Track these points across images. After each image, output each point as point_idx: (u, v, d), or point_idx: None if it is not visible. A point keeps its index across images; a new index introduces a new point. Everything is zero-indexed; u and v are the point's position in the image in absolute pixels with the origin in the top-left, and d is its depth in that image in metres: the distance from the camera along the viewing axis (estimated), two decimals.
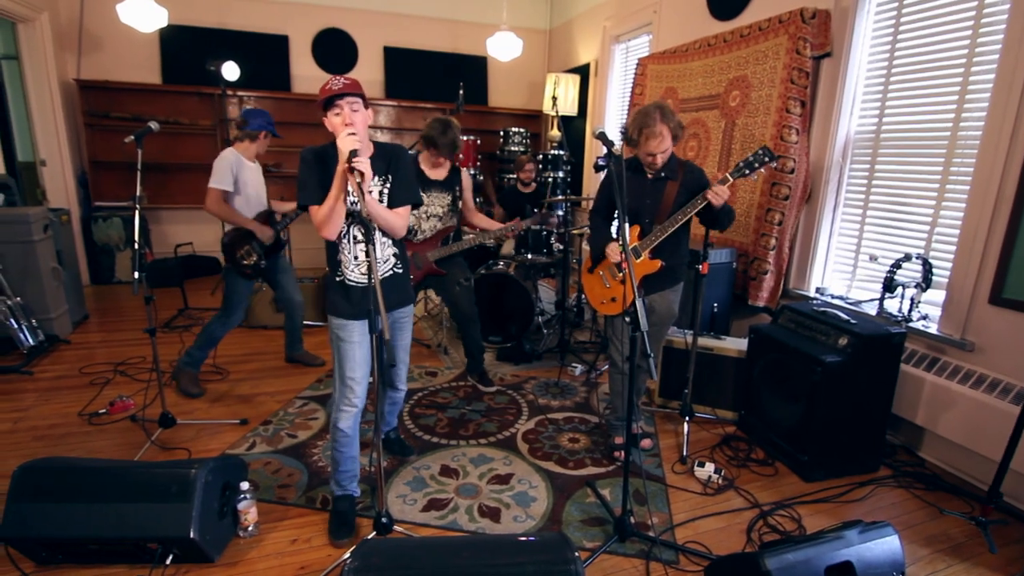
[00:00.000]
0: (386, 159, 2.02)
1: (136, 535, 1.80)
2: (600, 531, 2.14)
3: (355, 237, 1.97)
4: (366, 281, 1.99)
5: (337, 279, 2.01)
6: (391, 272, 2.07)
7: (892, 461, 2.67)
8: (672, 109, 2.37)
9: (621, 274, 2.53)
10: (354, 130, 1.80)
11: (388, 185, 2.02)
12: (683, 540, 2.10)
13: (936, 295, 2.70)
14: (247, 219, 3.05)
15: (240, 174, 3.02)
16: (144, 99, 5.64)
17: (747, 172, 2.36)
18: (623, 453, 2.23)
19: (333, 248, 2.00)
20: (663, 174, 2.47)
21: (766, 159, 2.33)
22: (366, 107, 1.90)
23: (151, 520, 1.80)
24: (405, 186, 2.06)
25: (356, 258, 1.99)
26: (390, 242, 2.05)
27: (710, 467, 2.52)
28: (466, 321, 3.27)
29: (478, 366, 3.43)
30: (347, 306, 2.00)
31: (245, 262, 3.05)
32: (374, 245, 1.74)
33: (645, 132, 2.34)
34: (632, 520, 2.07)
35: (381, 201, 2.01)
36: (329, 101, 1.84)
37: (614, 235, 2.63)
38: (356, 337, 2.01)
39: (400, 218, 2.02)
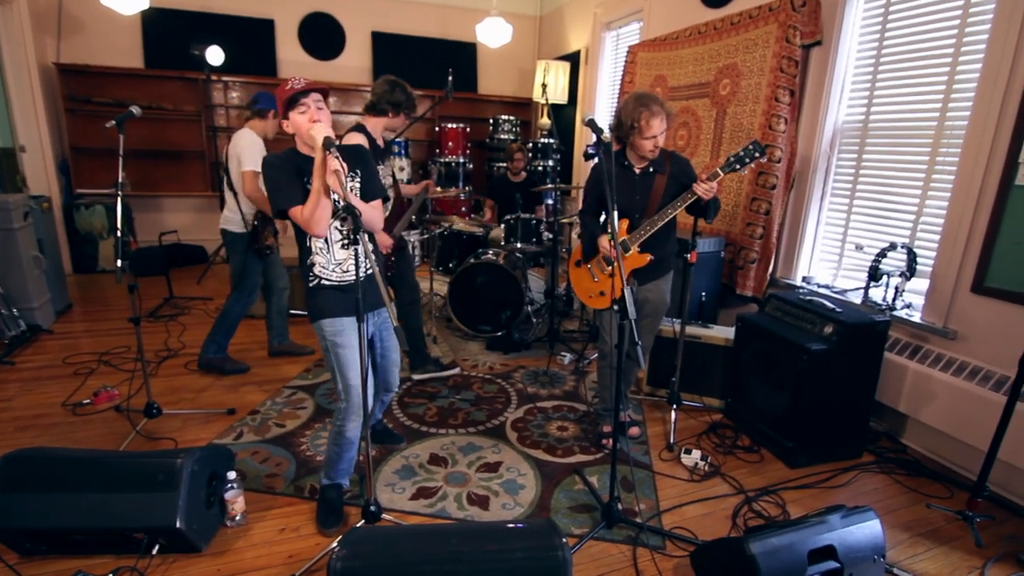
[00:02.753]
0: (352, 156, 1.99)
1: (122, 525, 1.79)
2: (588, 518, 2.16)
3: (337, 235, 1.90)
4: (349, 279, 1.93)
5: (312, 284, 1.93)
6: (372, 270, 2.01)
7: (875, 447, 2.72)
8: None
9: (610, 268, 2.51)
10: (322, 125, 1.77)
11: (358, 180, 1.99)
12: (669, 526, 2.13)
13: (920, 284, 2.73)
14: None
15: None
16: (126, 84, 5.53)
17: (738, 167, 2.33)
18: (611, 441, 2.24)
19: (307, 252, 1.92)
20: (651, 168, 2.45)
21: (756, 154, 2.31)
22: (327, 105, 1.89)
23: (137, 510, 1.79)
24: (375, 180, 2.04)
25: (340, 246, 1.92)
26: (367, 237, 1.96)
27: (696, 454, 2.55)
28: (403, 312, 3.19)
29: (422, 354, 3.35)
30: (337, 303, 1.92)
31: (268, 243, 3.22)
32: (363, 233, 1.67)
33: (645, 114, 2.27)
34: (619, 507, 2.09)
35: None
36: (293, 100, 1.82)
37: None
38: (353, 341, 1.93)
39: (377, 211, 2.00)
